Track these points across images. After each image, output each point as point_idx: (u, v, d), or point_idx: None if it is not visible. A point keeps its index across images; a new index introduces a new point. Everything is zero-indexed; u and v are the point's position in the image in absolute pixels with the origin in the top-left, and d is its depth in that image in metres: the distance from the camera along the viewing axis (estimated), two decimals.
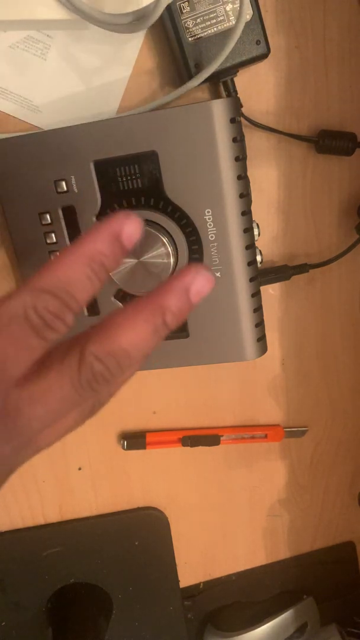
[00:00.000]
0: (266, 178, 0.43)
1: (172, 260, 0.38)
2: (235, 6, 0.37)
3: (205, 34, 0.37)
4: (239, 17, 0.35)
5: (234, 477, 0.52)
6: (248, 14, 0.37)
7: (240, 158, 0.37)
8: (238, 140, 0.36)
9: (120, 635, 0.54)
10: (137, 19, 0.34)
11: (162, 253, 0.38)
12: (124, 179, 0.38)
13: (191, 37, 0.37)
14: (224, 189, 0.37)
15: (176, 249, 0.38)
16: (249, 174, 0.38)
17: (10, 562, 0.51)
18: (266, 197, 0.44)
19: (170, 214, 0.38)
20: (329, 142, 0.41)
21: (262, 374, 0.49)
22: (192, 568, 0.56)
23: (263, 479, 0.53)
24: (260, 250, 0.41)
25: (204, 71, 0.36)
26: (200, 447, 0.50)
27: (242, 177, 0.37)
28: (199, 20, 0.37)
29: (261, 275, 0.44)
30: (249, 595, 0.57)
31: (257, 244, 0.44)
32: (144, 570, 0.53)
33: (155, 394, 0.49)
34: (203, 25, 0.37)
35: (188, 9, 0.37)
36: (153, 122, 0.36)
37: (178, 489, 0.52)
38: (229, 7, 0.37)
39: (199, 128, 0.36)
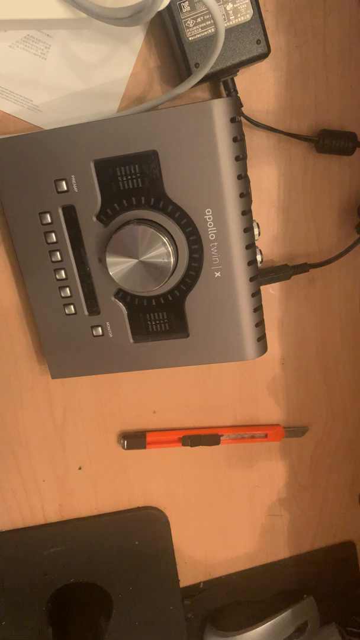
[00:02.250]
0: (266, 178, 0.43)
1: (172, 260, 0.38)
2: (235, 6, 0.37)
3: (206, 33, 0.37)
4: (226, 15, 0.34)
5: (234, 477, 0.52)
6: (248, 13, 0.37)
7: (241, 157, 0.37)
8: (238, 139, 0.36)
9: (120, 635, 0.54)
10: (137, 12, 0.34)
11: (162, 253, 0.38)
12: (124, 179, 0.38)
13: (191, 36, 0.37)
14: (224, 189, 0.37)
15: (176, 248, 0.38)
16: (249, 173, 0.38)
17: (10, 562, 0.51)
18: (266, 197, 0.44)
19: (171, 214, 0.38)
20: (329, 141, 0.41)
21: (262, 373, 0.49)
22: (192, 568, 0.56)
23: (263, 479, 0.53)
24: (260, 250, 0.41)
25: (201, 68, 0.36)
26: (200, 447, 0.50)
27: (242, 177, 0.37)
28: (199, 19, 0.37)
29: (261, 274, 0.44)
30: (248, 594, 0.57)
31: (257, 243, 0.44)
32: (144, 570, 0.53)
33: (155, 394, 0.49)
34: (203, 24, 0.37)
35: (188, 8, 0.37)
36: (153, 121, 0.36)
37: (178, 488, 0.52)
38: (229, 6, 0.37)
39: (200, 127, 0.36)
